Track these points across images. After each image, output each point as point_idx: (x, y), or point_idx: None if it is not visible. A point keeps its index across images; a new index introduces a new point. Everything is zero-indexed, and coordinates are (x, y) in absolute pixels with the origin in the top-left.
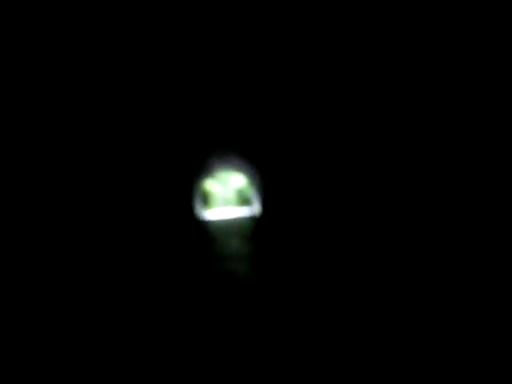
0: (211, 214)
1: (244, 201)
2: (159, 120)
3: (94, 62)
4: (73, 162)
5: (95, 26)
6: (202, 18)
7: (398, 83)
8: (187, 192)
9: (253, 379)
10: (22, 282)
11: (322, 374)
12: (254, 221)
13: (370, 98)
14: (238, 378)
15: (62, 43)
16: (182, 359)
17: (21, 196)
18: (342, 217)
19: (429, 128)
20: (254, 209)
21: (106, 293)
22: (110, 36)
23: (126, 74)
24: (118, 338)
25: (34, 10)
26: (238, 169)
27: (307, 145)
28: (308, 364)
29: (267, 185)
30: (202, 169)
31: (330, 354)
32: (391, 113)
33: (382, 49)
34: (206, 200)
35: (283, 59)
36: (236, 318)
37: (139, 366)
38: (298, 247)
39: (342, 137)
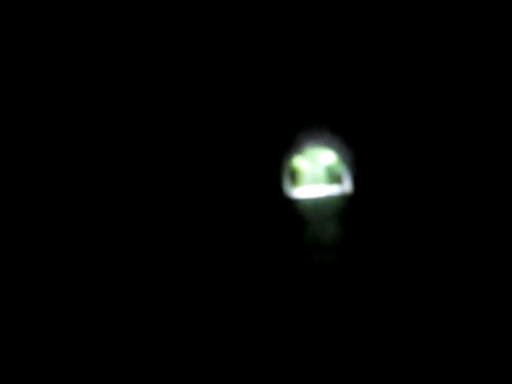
0: (300, 192)
1: (334, 178)
2: (247, 94)
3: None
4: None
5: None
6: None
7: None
8: (275, 169)
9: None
10: (35, 280)
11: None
12: (345, 199)
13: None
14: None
15: (72, 44)
16: (265, 354)
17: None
18: (436, 196)
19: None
20: (345, 187)
21: (183, 274)
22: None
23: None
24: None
25: (33, 10)
26: (328, 145)
27: (400, 118)
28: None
29: (359, 161)
30: (289, 145)
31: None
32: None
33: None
34: (294, 178)
35: (373, 36)
36: (327, 300)
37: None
38: (391, 228)
39: (436, 110)
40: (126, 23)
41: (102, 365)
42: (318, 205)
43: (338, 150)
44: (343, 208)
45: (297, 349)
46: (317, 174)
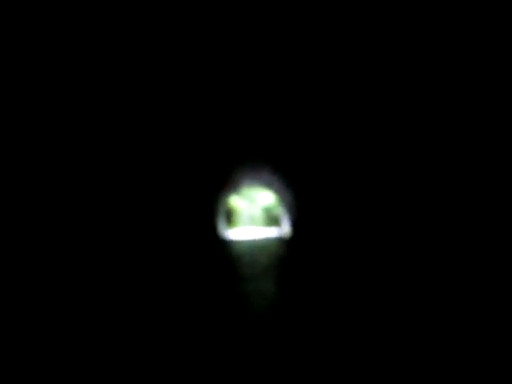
0: (236, 233)
1: (272, 220)
2: (180, 130)
3: (97, 75)
4: (85, 177)
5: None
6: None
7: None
8: (210, 209)
9: None
10: (32, 281)
11: None
12: (283, 243)
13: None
14: None
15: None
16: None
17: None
18: (379, 240)
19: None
20: (283, 229)
21: (124, 315)
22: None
23: (142, 81)
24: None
25: (33, 10)
26: (267, 184)
27: (342, 160)
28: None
29: (298, 203)
30: (226, 183)
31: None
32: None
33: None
34: (230, 218)
35: (312, 72)
36: (260, 342)
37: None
38: (330, 272)
39: (377, 151)
40: (119, 23)
41: (98, 364)
42: (254, 247)
43: (277, 191)
44: (280, 252)
45: None
46: (254, 214)
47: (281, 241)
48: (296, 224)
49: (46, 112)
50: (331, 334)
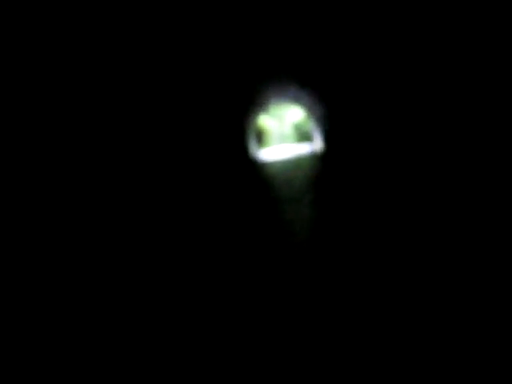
0: (268, 153)
1: (303, 137)
2: (204, 49)
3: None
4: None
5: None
6: None
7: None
8: (239, 130)
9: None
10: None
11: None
12: (316, 158)
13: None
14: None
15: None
16: (235, 306)
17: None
18: (411, 153)
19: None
20: (315, 145)
21: (154, 244)
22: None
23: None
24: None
25: (33, 10)
26: (295, 100)
27: (372, 70)
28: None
29: (329, 116)
30: (253, 103)
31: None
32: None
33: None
34: (260, 138)
35: None
36: (298, 271)
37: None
38: (366, 189)
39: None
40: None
41: (100, 364)
42: (288, 166)
43: (306, 106)
44: (315, 168)
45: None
46: (284, 132)
47: (314, 157)
48: (328, 138)
49: (46, 112)
50: (365, 256)
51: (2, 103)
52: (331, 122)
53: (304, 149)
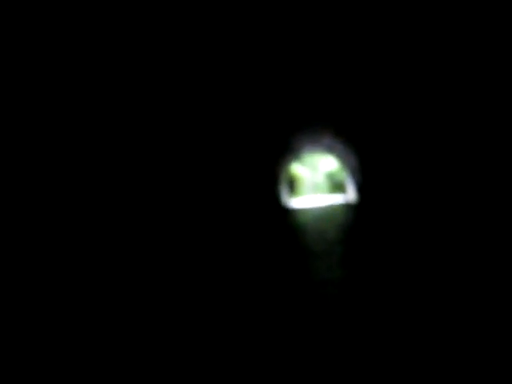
0: (300, 202)
1: (336, 187)
2: (239, 96)
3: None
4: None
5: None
6: None
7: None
8: (271, 178)
9: None
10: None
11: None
12: (349, 208)
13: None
14: None
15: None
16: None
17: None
18: (450, 204)
19: None
20: (348, 195)
21: (174, 290)
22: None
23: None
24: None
25: (33, 10)
26: (328, 150)
27: (406, 120)
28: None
29: (363, 167)
30: (286, 150)
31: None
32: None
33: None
34: (292, 187)
35: (377, 34)
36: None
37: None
38: (400, 240)
39: (442, 112)
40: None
41: (101, 365)
42: (319, 215)
43: (340, 155)
44: (347, 219)
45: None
46: (317, 181)
47: (347, 207)
48: (362, 189)
49: (51, 112)
50: (399, 306)
51: (2, 103)
52: (365, 172)
53: (337, 199)
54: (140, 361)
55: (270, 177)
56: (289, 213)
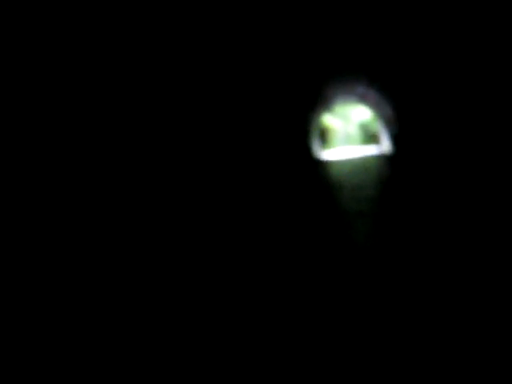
0: (332, 154)
1: (370, 138)
2: (270, 44)
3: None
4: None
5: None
6: None
7: None
8: (302, 130)
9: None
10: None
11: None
12: (383, 160)
13: None
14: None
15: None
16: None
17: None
18: (483, 155)
19: None
20: (382, 146)
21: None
22: None
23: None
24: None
25: (33, 10)
26: (362, 100)
27: (443, 69)
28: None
29: (397, 116)
30: (318, 101)
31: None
32: None
33: None
34: (324, 138)
35: None
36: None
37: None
38: (435, 192)
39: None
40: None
41: (101, 365)
42: (353, 167)
43: (374, 105)
44: (381, 171)
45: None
46: (350, 132)
47: (381, 159)
48: (397, 140)
49: (52, 112)
50: (432, 258)
51: (2, 103)
52: (400, 122)
53: (370, 151)
54: (140, 360)
55: (301, 128)
56: (321, 165)
